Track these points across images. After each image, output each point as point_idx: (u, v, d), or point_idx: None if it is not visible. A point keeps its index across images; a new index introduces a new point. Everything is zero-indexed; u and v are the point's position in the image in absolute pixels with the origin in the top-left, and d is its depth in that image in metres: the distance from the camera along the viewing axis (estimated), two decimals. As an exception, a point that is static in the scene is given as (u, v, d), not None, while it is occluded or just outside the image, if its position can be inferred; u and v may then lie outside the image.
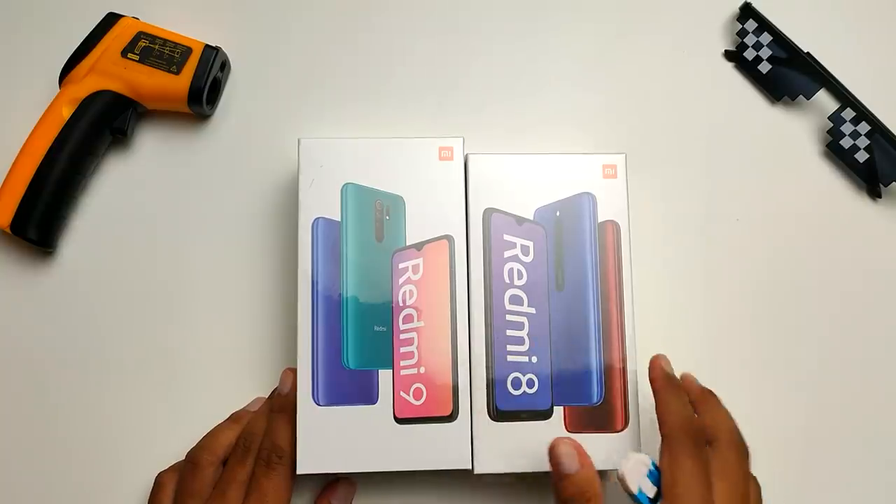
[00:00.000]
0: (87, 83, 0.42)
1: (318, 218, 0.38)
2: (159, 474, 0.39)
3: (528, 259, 0.39)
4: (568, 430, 0.37)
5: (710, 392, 0.37)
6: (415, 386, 0.37)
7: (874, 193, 0.45)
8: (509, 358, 0.38)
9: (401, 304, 0.38)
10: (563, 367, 0.38)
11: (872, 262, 0.45)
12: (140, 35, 0.43)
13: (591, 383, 0.38)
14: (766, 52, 0.46)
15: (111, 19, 0.43)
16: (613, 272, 0.39)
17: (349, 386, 0.37)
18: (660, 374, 0.36)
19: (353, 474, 0.41)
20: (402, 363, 0.38)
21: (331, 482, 0.40)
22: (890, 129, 0.44)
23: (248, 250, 0.44)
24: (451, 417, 0.37)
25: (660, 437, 0.35)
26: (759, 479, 0.36)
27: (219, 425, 0.39)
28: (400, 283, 0.38)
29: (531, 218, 0.39)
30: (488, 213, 0.39)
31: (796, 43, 0.46)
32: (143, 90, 0.43)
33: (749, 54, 0.46)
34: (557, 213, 0.39)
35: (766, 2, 0.46)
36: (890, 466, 0.43)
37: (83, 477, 0.42)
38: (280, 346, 0.43)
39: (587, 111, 0.46)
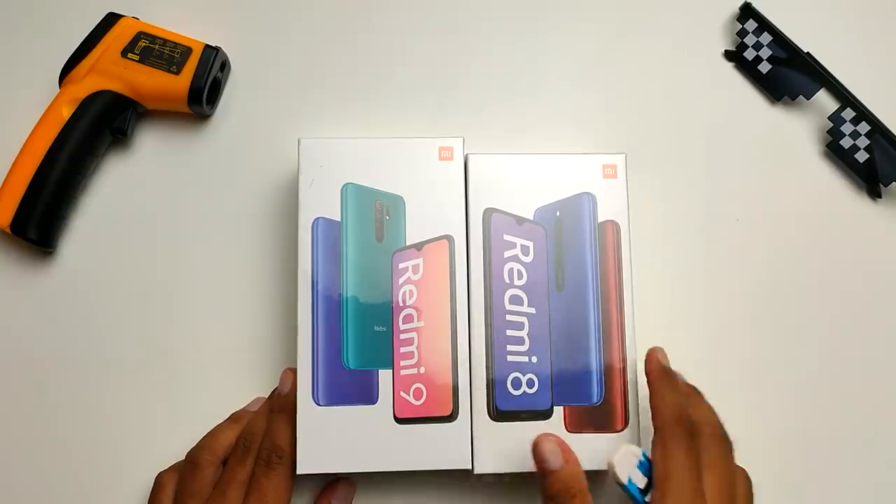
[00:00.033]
0: (87, 83, 0.42)
1: (318, 218, 0.38)
2: (159, 474, 0.39)
3: (528, 259, 0.39)
4: (568, 430, 0.37)
5: (695, 388, 0.38)
6: (415, 386, 0.37)
7: (874, 193, 0.45)
8: (509, 358, 0.38)
9: (401, 304, 0.38)
10: (563, 367, 0.38)
11: (872, 262, 0.45)
12: (140, 35, 0.43)
13: (591, 383, 0.38)
14: (766, 52, 0.46)
15: (111, 19, 0.43)
16: (613, 272, 0.39)
17: (349, 386, 0.37)
18: (656, 366, 0.36)
19: (353, 474, 0.41)
20: (402, 363, 0.38)
21: (331, 482, 0.40)
22: (890, 129, 0.44)
23: (248, 250, 0.44)
24: (451, 417, 0.37)
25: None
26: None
27: (219, 425, 0.39)
28: (400, 283, 0.38)
29: (531, 218, 0.39)
30: (488, 213, 0.39)
31: (796, 43, 0.46)
32: (143, 90, 0.43)
33: (749, 54, 0.46)
34: (557, 213, 0.39)
35: (766, 2, 0.46)
36: (890, 466, 0.43)
37: (83, 477, 0.42)
38: (280, 346, 0.43)
39: (587, 111, 0.46)
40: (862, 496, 0.43)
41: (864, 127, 0.45)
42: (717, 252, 0.45)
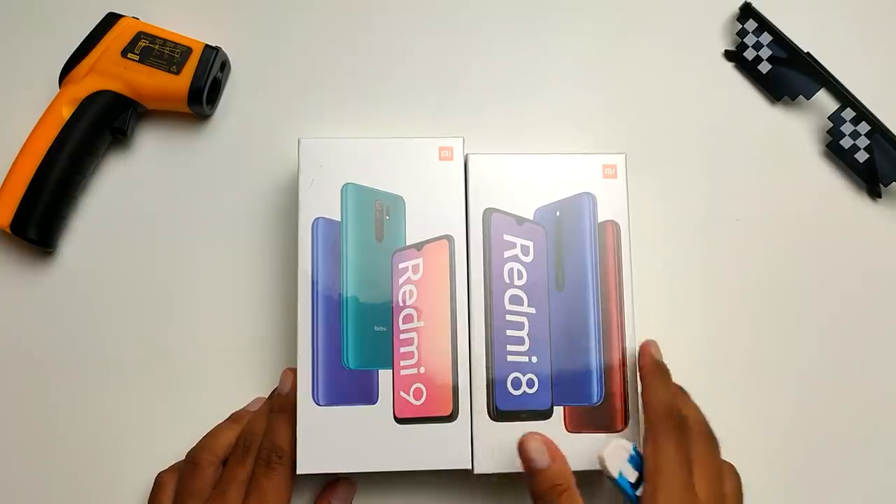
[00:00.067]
0: (87, 83, 0.42)
1: (318, 218, 0.38)
2: (159, 474, 0.39)
3: (528, 259, 0.39)
4: (568, 430, 0.37)
5: (681, 388, 0.38)
6: (415, 386, 0.37)
7: (874, 193, 0.45)
8: (509, 358, 0.38)
9: (401, 304, 0.38)
10: (563, 367, 0.38)
11: (872, 262, 0.45)
12: (140, 35, 0.43)
13: (591, 383, 0.38)
14: (766, 52, 0.46)
15: (111, 19, 0.43)
16: (613, 272, 0.39)
17: (349, 386, 0.37)
18: (649, 360, 0.37)
19: (353, 474, 0.41)
20: (402, 363, 0.38)
21: (331, 482, 0.40)
22: (890, 129, 0.44)
23: (248, 250, 0.44)
24: (451, 417, 0.37)
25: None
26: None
27: (219, 425, 0.39)
28: (400, 283, 0.38)
29: (531, 218, 0.39)
30: (488, 213, 0.39)
31: (796, 43, 0.46)
32: (143, 90, 0.43)
33: (749, 54, 0.46)
34: (557, 213, 0.39)
35: (766, 2, 0.46)
36: (890, 466, 0.43)
37: (83, 477, 0.42)
38: (280, 346, 0.43)
39: (587, 111, 0.46)
40: (862, 496, 0.43)
41: (864, 127, 0.45)
42: (717, 252, 0.45)
